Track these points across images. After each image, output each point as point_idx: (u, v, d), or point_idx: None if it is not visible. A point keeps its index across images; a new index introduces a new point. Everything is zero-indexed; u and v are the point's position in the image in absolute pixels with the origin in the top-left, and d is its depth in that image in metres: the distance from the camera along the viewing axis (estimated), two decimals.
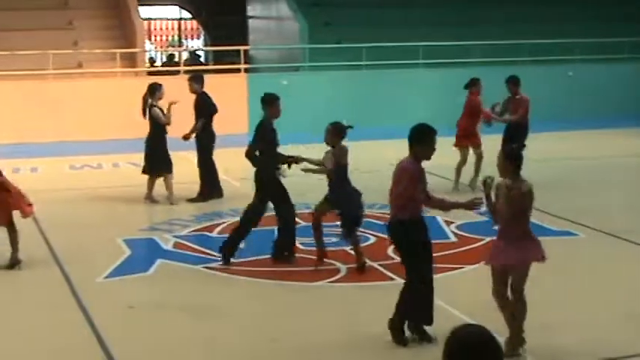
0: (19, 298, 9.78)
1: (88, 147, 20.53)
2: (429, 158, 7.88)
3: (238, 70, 24.04)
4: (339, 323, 8.65)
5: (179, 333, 8.56)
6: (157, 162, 14.30)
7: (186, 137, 14.49)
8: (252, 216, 10.82)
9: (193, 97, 14.66)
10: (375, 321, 8.11)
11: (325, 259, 10.52)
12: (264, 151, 10.78)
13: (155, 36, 42.31)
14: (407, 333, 8.01)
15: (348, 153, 10.26)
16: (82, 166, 18.47)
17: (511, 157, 7.71)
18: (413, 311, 8.00)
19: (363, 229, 11.28)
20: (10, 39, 23.31)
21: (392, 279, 9.80)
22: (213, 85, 21.70)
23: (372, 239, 11.65)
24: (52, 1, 25.80)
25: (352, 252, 10.59)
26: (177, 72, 24.30)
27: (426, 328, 8.01)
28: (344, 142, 10.25)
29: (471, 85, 15.19)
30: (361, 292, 9.58)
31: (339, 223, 10.50)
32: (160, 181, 14.45)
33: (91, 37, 25.05)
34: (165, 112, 14.22)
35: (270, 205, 10.89)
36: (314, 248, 11.18)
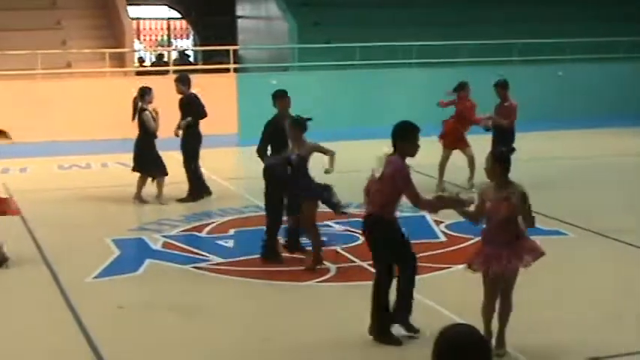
0: (8, 299, 9.74)
1: (77, 147, 20.51)
2: (413, 155, 7.90)
3: (227, 70, 24.04)
4: (329, 323, 8.66)
5: (168, 333, 8.55)
6: (148, 163, 14.27)
7: (175, 133, 14.47)
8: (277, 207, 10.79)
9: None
10: (365, 320, 8.11)
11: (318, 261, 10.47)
12: (274, 148, 10.76)
13: (144, 36, 42.25)
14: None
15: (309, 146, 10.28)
16: (70, 166, 18.44)
17: (499, 161, 7.69)
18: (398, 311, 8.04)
19: (352, 229, 11.29)
20: None
21: None
22: (203, 85, 21.70)
23: (361, 239, 11.63)
24: (40, 1, 25.75)
25: (342, 252, 10.59)
26: (167, 72, 24.30)
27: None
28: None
29: (459, 88, 15.17)
30: (351, 291, 9.58)
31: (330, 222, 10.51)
32: (150, 181, 14.41)
33: (79, 36, 25.01)
34: (155, 117, 14.18)
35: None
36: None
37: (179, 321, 8.88)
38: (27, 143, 20.70)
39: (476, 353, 3.61)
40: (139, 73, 25.19)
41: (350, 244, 11.34)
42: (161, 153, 14.42)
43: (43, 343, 8.28)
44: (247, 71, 26.94)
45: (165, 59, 29.91)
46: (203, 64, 28.13)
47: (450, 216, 12.26)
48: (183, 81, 14.61)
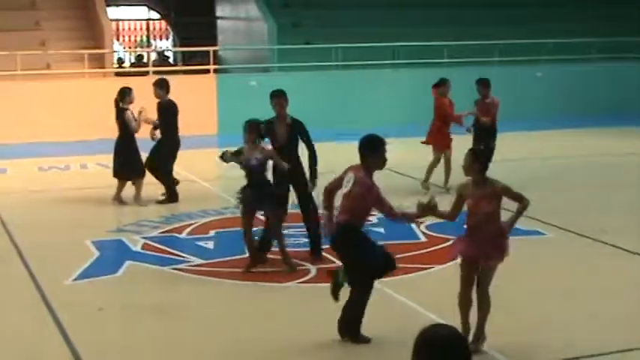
0: None
1: (57, 148, 20.41)
2: (381, 168, 7.94)
3: (207, 71, 24.00)
4: (308, 324, 8.65)
5: (148, 335, 8.53)
6: (128, 165, 14.20)
7: (152, 136, 14.41)
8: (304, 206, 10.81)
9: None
10: None
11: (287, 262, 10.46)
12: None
13: (123, 36, 42.12)
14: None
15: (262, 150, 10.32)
16: (50, 167, 18.35)
17: (478, 158, 7.73)
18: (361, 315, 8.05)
19: None
20: None
21: None
22: (182, 85, 21.70)
23: None
24: (19, 2, 25.60)
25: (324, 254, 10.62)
26: (146, 73, 24.22)
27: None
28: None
29: (440, 84, 15.16)
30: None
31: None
32: (130, 183, 14.37)
33: (58, 37, 24.89)
34: (136, 117, 14.14)
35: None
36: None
37: (158, 323, 8.86)
38: (6, 144, 20.62)
39: (455, 354, 3.62)
40: (118, 74, 25.08)
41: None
42: (143, 154, 14.35)
43: (21, 346, 8.24)
44: (227, 72, 26.90)
45: (145, 60, 29.81)
46: (183, 64, 28.09)
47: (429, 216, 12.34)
48: (161, 86, 14.52)
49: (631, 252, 11.10)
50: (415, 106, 22.10)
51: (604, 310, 9.01)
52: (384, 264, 8.07)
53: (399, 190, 14.42)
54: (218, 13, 33.27)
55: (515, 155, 17.87)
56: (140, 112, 14.11)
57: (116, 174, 14.38)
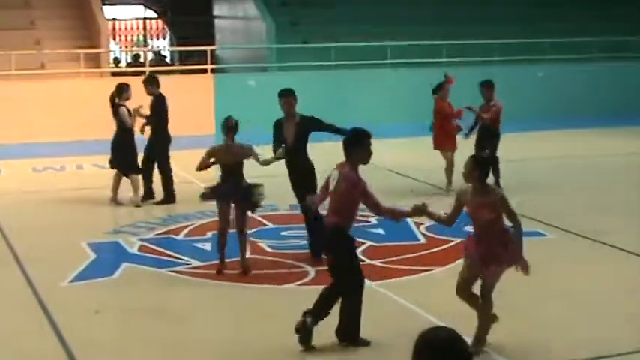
0: None
1: (52, 149, 20.40)
2: (366, 162, 7.93)
3: (205, 71, 23.99)
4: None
5: (145, 337, 8.54)
6: (123, 160, 14.23)
7: (141, 130, 14.42)
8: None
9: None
10: None
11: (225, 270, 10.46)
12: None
13: (120, 36, 42.13)
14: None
15: (235, 149, 10.37)
16: (45, 168, 18.35)
17: (479, 165, 7.73)
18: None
19: None
20: None
21: None
22: (179, 85, 21.74)
23: None
24: (13, 1, 25.59)
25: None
26: (143, 72, 24.20)
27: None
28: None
29: (438, 89, 15.16)
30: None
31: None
32: (126, 184, 14.36)
33: (53, 37, 24.88)
34: (131, 112, 14.17)
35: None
36: (282, 251, 11.22)
37: (156, 325, 8.86)
38: (0, 145, 20.60)
39: (455, 356, 3.63)
40: (114, 74, 25.07)
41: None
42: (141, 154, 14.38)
43: (17, 348, 8.24)
44: (224, 72, 26.90)
45: (142, 60, 29.81)
46: (180, 64, 28.08)
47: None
48: (151, 82, 14.56)
49: (632, 253, 11.11)
50: (414, 106, 22.09)
51: (606, 312, 9.03)
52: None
53: (398, 192, 14.45)
54: (215, 12, 33.28)
55: (516, 156, 17.85)
56: (136, 109, 14.14)
57: (112, 165, 14.40)
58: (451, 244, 11.47)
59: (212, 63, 24.45)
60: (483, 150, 14.10)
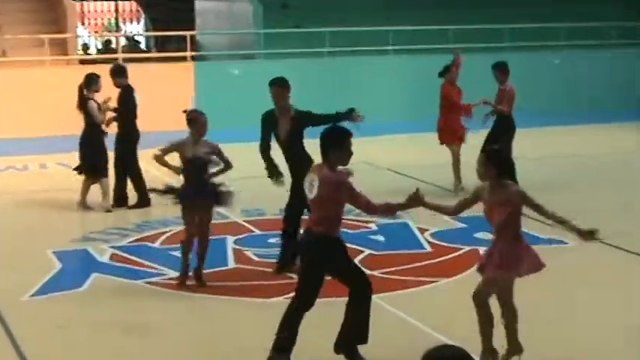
0: None
1: (13, 146, 20.31)
2: (345, 164, 7.92)
3: (184, 59, 23.95)
4: (299, 343, 8.59)
5: (116, 356, 8.49)
6: (92, 161, 14.16)
7: (106, 123, 14.38)
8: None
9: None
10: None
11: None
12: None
13: (89, 19, 42.06)
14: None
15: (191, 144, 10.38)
16: (6, 167, 18.29)
17: (493, 161, 7.71)
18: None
19: None
20: None
21: None
22: (156, 75, 21.68)
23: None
24: None
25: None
26: (115, 60, 24.14)
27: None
28: None
29: (445, 72, 15.14)
30: (325, 309, 9.49)
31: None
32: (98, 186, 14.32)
33: (15, 20, 24.83)
34: (101, 106, 14.12)
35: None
36: (270, 260, 11.18)
37: (127, 343, 8.83)
38: None
39: None
40: (83, 62, 25.03)
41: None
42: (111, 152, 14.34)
43: None
44: (206, 59, 26.82)
45: (113, 46, 29.75)
46: (156, 51, 28.03)
47: (436, 223, 12.33)
48: (120, 73, 14.50)
49: None
50: (418, 97, 22.10)
51: (632, 324, 9.03)
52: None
53: (399, 193, 14.38)
54: None
55: (533, 153, 17.84)
56: (105, 102, 14.10)
57: (80, 171, 14.35)
58: (460, 252, 11.45)
59: (192, 50, 24.39)
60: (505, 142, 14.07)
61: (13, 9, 25.20)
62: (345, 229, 8.07)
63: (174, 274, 10.78)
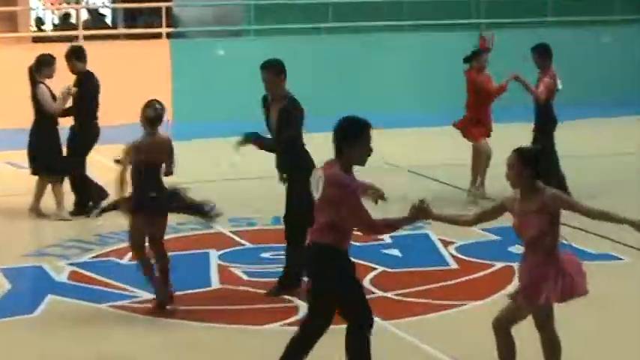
0: None
1: None
2: (363, 164, 7.80)
3: (158, 35, 23.94)
4: None
5: None
6: (44, 160, 14.12)
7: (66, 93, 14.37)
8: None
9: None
10: None
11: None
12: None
13: None
14: None
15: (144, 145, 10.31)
16: None
17: (525, 160, 7.64)
18: None
19: None
20: None
21: None
22: (124, 55, 21.63)
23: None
24: None
25: None
26: (75, 38, 24.08)
27: None
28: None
29: (472, 58, 15.10)
30: (325, 338, 9.45)
31: None
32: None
33: None
34: (56, 93, 14.06)
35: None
36: (263, 279, 11.14)
37: None
38: None
39: None
40: (36, 40, 25.01)
41: None
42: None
43: None
44: (185, 37, 26.81)
45: (73, 20, 29.70)
46: (125, 26, 27.96)
47: (463, 234, 12.27)
48: (78, 56, 14.46)
49: None
50: (439, 84, 22.07)
51: None
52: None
53: (414, 197, 14.34)
54: None
55: (580, 151, 17.79)
56: (70, 88, 14.04)
57: (33, 170, 14.33)
58: (491, 269, 11.45)
59: (168, 25, 24.38)
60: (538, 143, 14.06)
61: None
62: (353, 242, 7.94)
63: (148, 295, 10.73)
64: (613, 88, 25.12)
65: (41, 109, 14.12)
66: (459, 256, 12.07)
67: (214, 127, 18.74)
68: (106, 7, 35.93)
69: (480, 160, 14.92)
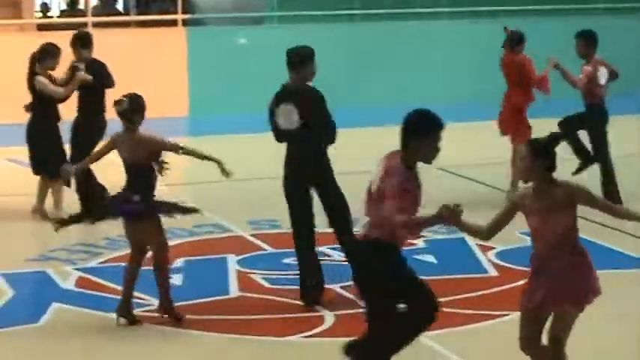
0: None
1: None
2: (429, 162, 7.85)
3: (174, 23, 23.98)
4: None
5: None
6: (45, 156, 14.14)
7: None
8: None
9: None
10: None
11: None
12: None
13: None
14: None
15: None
16: None
17: (537, 154, 7.60)
18: None
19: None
20: None
21: None
22: (137, 44, 21.67)
23: None
24: None
25: (343, 292, 10.57)
26: (84, 25, 24.16)
27: None
28: None
29: (514, 43, 15.03)
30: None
31: None
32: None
33: None
34: (58, 79, 14.10)
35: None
36: (285, 286, 11.15)
37: None
38: None
39: None
40: (41, 28, 25.08)
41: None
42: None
43: None
44: (202, 24, 26.86)
45: (81, 6, 29.80)
46: (138, 13, 28.02)
47: (503, 239, 12.22)
48: (84, 42, 14.48)
49: None
50: (480, 76, 22.01)
51: None
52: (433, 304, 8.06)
53: (451, 198, 14.33)
54: None
55: (622, 149, 17.70)
56: (74, 70, 14.07)
57: (35, 169, 14.39)
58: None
59: (184, 12, 24.42)
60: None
61: None
62: None
63: None
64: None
65: (41, 104, 14.13)
66: (499, 262, 12.08)
67: (235, 122, 18.77)
68: None
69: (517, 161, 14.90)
